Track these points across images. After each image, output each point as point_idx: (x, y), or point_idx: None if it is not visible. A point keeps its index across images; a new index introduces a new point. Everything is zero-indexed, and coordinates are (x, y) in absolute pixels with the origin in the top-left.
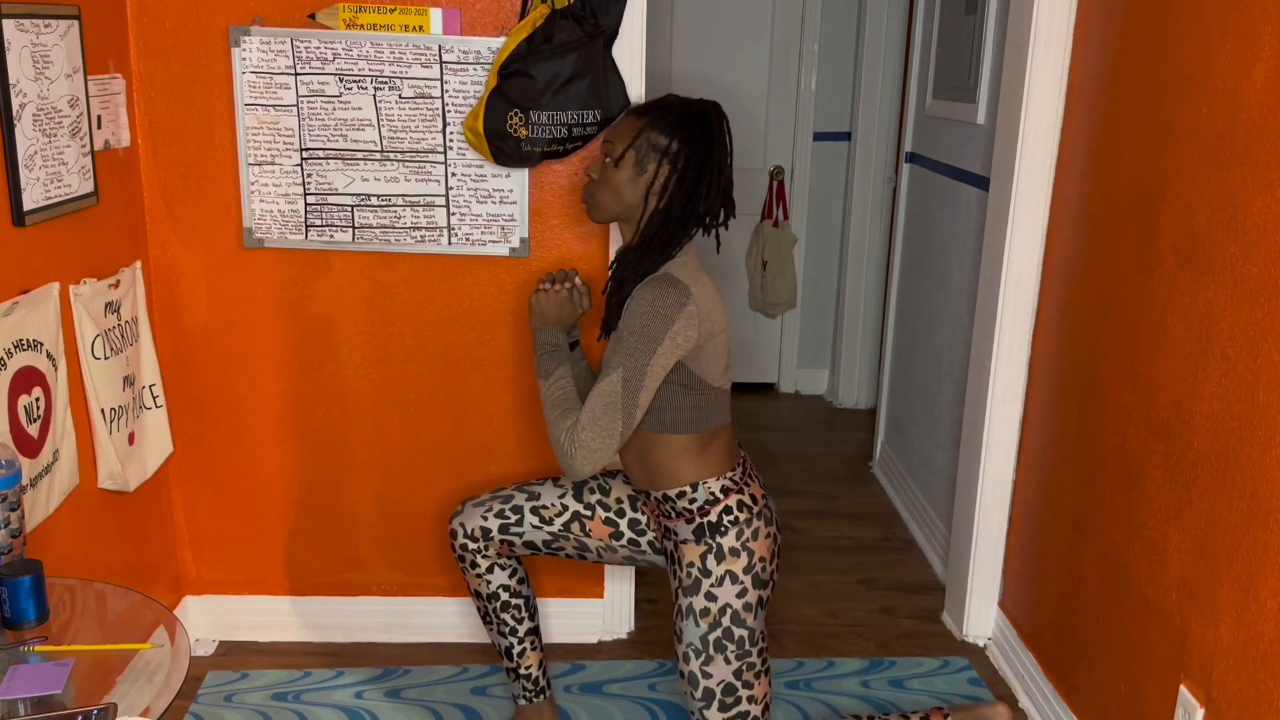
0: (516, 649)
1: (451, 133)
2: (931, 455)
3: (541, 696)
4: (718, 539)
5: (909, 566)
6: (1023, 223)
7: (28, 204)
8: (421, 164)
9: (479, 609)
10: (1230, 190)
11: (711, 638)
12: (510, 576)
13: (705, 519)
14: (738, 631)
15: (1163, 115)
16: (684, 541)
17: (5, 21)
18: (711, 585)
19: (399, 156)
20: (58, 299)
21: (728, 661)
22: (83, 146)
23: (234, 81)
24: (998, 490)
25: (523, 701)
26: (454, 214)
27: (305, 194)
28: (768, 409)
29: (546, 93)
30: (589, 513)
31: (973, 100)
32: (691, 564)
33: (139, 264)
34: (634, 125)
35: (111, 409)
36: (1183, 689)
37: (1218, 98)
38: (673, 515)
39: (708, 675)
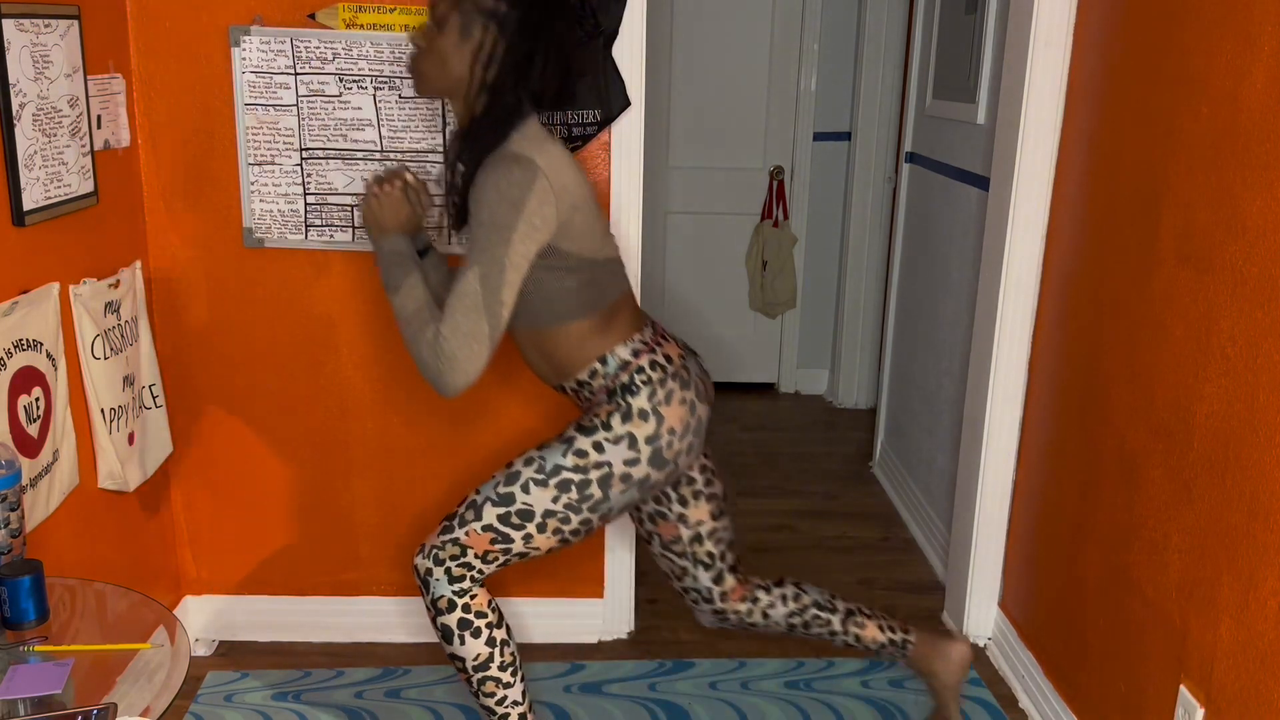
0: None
1: (451, 133)
2: (931, 455)
3: None
4: (628, 399)
5: (909, 566)
6: (1023, 223)
7: (28, 204)
8: (422, 164)
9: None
10: (1230, 190)
11: (565, 475)
12: (786, 603)
13: (618, 383)
14: (594, 490)
15: (1163, 115)
16: (598, 405)
17: (5, 21)
18: (606, 439)
19: (399, 156)
20: (58, 299)
21: (554, 500)
22: (83, 146)
23: (234, 81)
24: (998, 490)
25: None
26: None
27: (305, 194)
28: (768, 409)
29: None
30: (655, 539)
31: (973, 100)
32: (597, 415)
33: (139, 264)
34: None
35: (111, 409)
36: (1183, 689)
37: (1218, 98)
38: (591, 399)
39: (526, 490)
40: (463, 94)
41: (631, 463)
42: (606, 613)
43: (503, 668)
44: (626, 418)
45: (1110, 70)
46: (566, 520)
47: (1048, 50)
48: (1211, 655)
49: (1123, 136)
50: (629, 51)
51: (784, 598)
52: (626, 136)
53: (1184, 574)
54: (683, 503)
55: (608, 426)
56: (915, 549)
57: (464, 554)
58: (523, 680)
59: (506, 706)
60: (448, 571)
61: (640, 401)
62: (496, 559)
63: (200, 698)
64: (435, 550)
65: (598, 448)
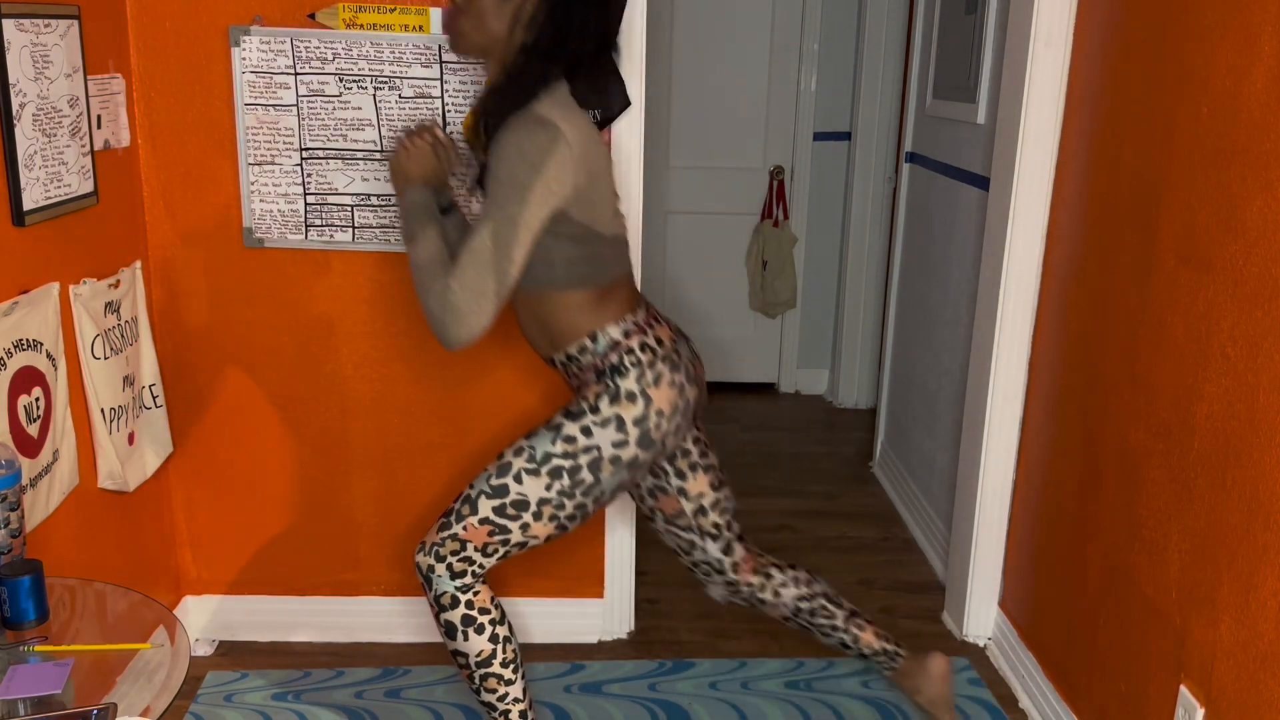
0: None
1: (451, 133)
2: (931, 455)
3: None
4: (617, 380)
5: (909, 566)
6: (1023, 223)
7: (27, 204)
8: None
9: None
10: (1230, 190)
11: (555, 462)
12: (797, 586)
13: (607, 363)
14: (585, 475)
15: (1163, 115)
16: (587, 385)
17: (5, 21)
18: (594, 423)
19: None
20: (58, 299)
21: (547, 488)
22: (83, 146)
23: (234, 81)
24: (998, 490)
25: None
26: None
27: (305, 194)
28: (768, 409)
29: None
30: (658, 515)
31: (973, 100)
32: (585, 399)
33: (139, 264)
34: None
35: (111, 409)
36: (1183, 689)
37: (1218, 98)
38: (580, 376)
39: (519, 480)
40: (498, 54)
41: (620, 444)
42: (606, 613)
43: (504, 664)
44: (614, 399)
45: (1110, 70)
46: (561, 507)
47: (1048, 50)
48: (1211, 655)
49: (1123, 136)
50: (629, 51)
51: (797, 580)
52: (626, 136)
53: (1184, 574)
54: (680, 476)
55: (595, 410)
56: (915, 549)
57: (464, 548)
58: (524, 678)
59: (508, 704)
60: (449, 567)
61: (629, 383)
62: (496, 551)
63: (200, 698)
64: (435, 547)
65: (586, 432)
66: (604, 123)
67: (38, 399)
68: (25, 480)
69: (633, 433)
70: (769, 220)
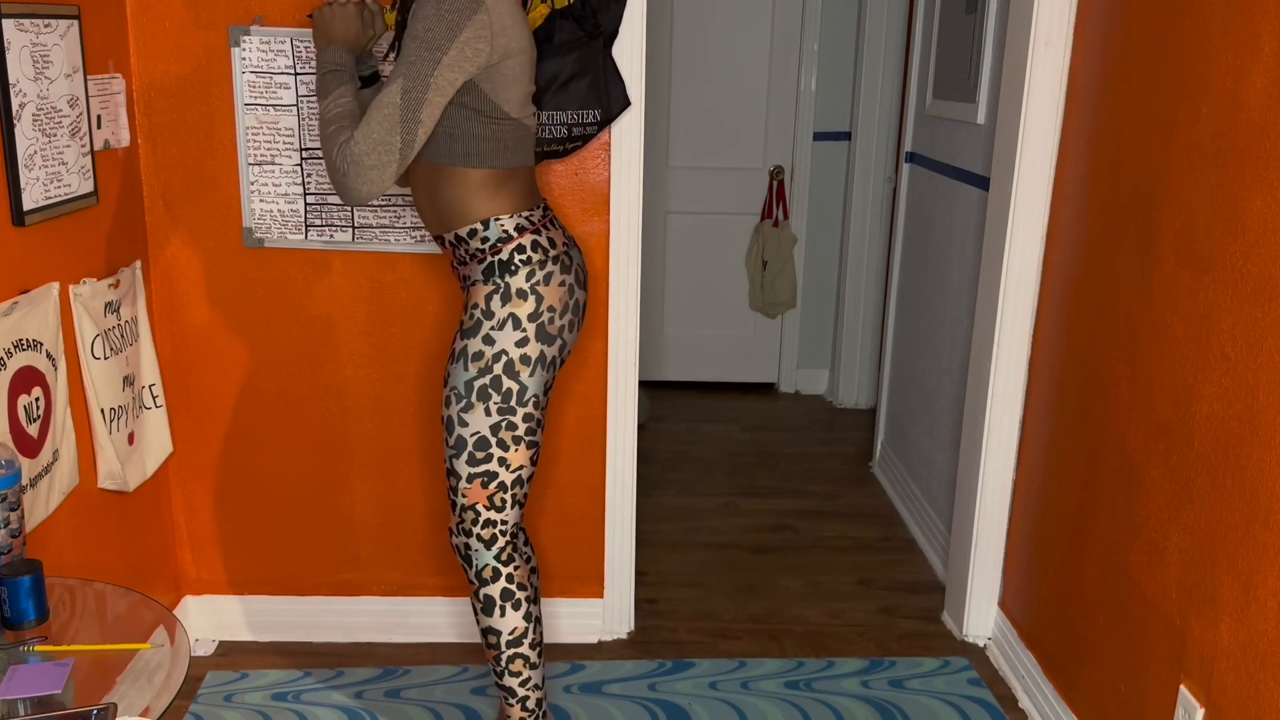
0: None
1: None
2: (931, 455)
3: None
4: (506, 278)
5: (909, 566)
6: (1023, 223)
7: (27, 204)
8: None
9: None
10: (1230, 190)
11: (478, 384)
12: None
13: (496, 257)
14: (507, 383)
15: (1163, 115)
16: (474, 283)
17: (5, 21)
18: (492, 328)
19: None
20: (57, 299)
21: (488, 413)
22: (82, 146)
23: (234, 81)
24: (998, 490)
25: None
26: None
27: (305, 194)
28: (768, 409)
29: (547, 92)
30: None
31: (973, 100)
32: (476, 305)
33: (139, 264)
34: None
35: (111, 409)
36: (1183, 689)
37: (1218, 98)
38: (467, 259)
39: (464, 423)
40: None
41: (522, 343)
42: (606, 613)
43: (533, 646)
44: (505, 298)
45: (1110, 70)
46: (512, 426)
47: (1048, 50)
48: (1211, 655)
49: (1123, 136)
50: (629, 51)
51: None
52: (626, 136)
53: (1184, 574)
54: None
55: (489, 314)
56: (915, 549)
57: (478, 513)
58: (544, 670)
59: (528, 689)
60: (479, 539)
61: (519, 281)
62: (503, 499)
63: (200, 698)
64: (458, 525)
65: (487, 340)
66: (604, 123)
67: (38, 399)
68: (25, 480)
69: (530, 328)
70: (769, 220)
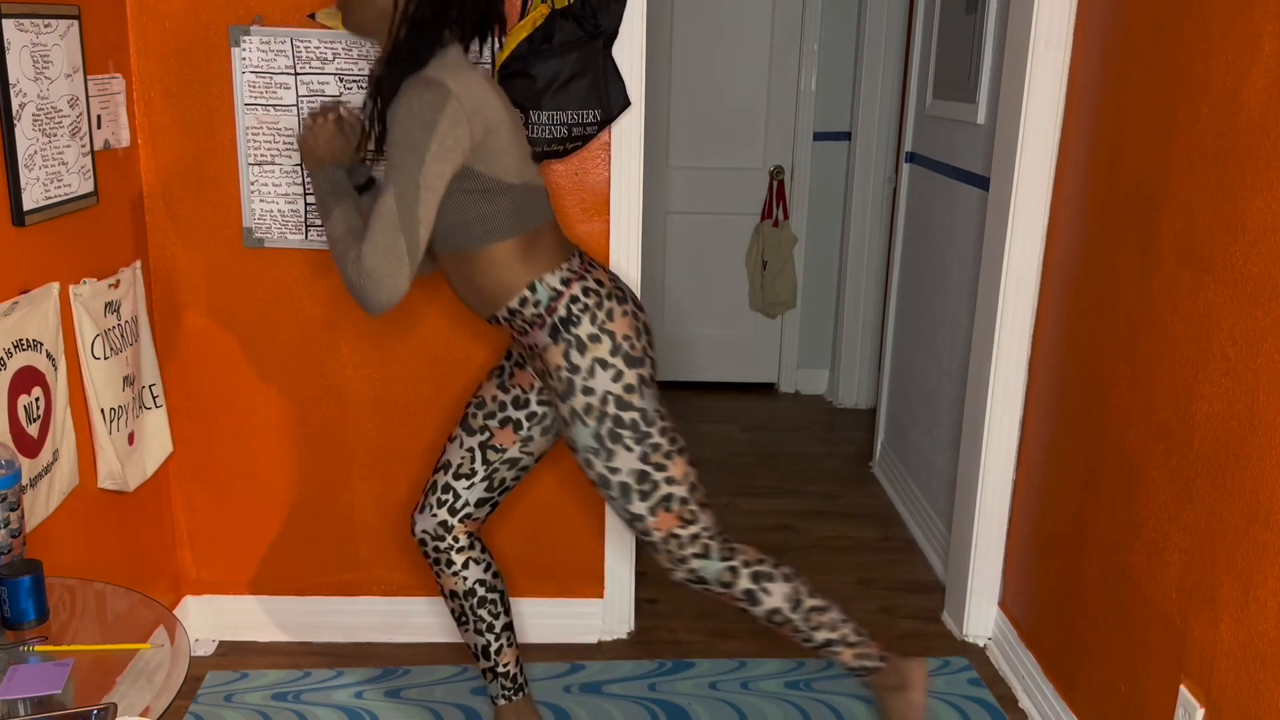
0: (494, 646)
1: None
2: (931, 455)
3: (520, 694)
4: (573, 330)
5: (909, 566)
6: (1023, 223)
7: (28, 204)
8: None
9: (453, 610)
10: (1230, 190)
11: (603, 431)
12: (485, 571)
13: (555, 316)
14: (626, 415)
15: (1163, 115)
16: (544, 349)
17: (5, 21)
18: (584, 379)
19: None
20: (57, 299)
21: (628, 449)
22: (83, 146)
23: (234, 81)
24: (998, 490)
25: (501, 701)
26: None
27: (305, 194)
28: (768, 409)
29: (546, 92)
30: (487, 433)
31: (973, 100)
32: (558, 367)
33: (139, 264)
34: None
35: (111, 409)
36: (1183, 689)
37: (1218, 98)
38: (528, 330)
39: (615, 470)
40: (387, 28)
41: (617, 377)
42: (606, 613)
43: (811, 593)
44: (581, 349)
45: (1110, 70)
46: (655, 447)
47: (1048, 50)
48: (1211, 655)
49: (1123, 136)
50: (629, 51)
51: (487, 567)
52: (626, 136)
53: (1184, 574)
54: (534, 421)
55: (574, 369)
56: (915, 549)
57: (678, 537)
58: (836, 608)
59: (843, 628)
60: (695, 556)
61: (585, 328)
62: (690, 511)
63: (200, 698)
64: (670, 560)
65: (586, 392)
66: (604, 123)
67: (38, 399)
68: (25, 480)
69: (616, 362)
70: (769, 220)
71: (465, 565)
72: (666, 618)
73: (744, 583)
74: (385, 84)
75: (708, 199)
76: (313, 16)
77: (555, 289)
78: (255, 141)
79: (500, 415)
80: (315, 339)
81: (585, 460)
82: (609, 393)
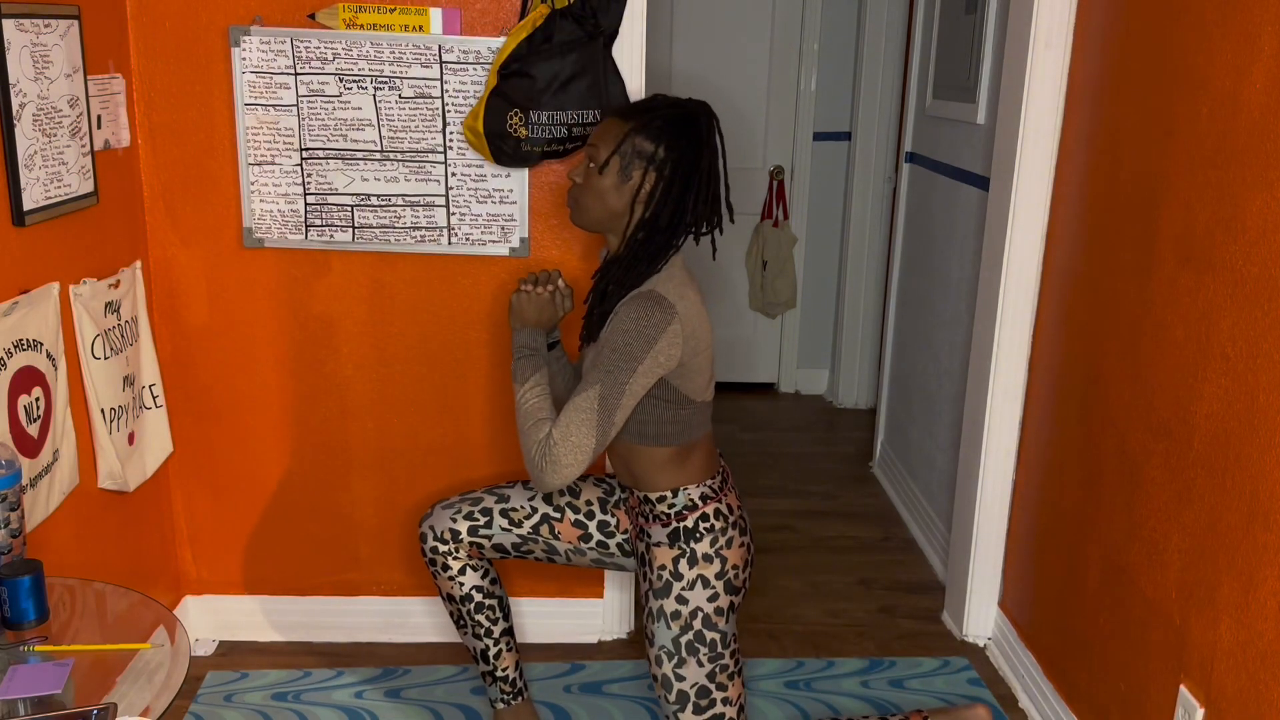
0: (492, 651)
1: (451, 133)
2: (931, 455)
3: (519, 699)
4: (692, 544)
5: (909, 566)
6: (1023, 223)
7: (28, 204)
8: (421, 164)
9: (451, 613)
10: (1230, 190)
11: (684, 640)
12: (483, 578)
13: (682, 524)
14: (709, 634)
15: (1163, 115)
16: (657, 544)
17: (5, 21)
18: (683, 589)
19: (399, 156)
20: (58, 299)
21: (700, 664)
22: (83, 146)
23: (234, 81)
24: (998, 490)
25: (500, 705)
26: (454, 214)
27: (305, 194)
28: (768, 409)
29: (546, 92)
30: (558, 515)
31: (973, 100)
32: (664, 566)
33: (139, 264)
34: (619, 130)
35: (111, 409)
36: (1183, 689)
37: (1218, 98)
38: (649, 517)
39: (681, 678)
40: (620, 228)
41: (713, 598)
42: (606, 613)
43: None
44: (692, 562)
45: (1110, 70)
46: (724, 668)
47: (1048, 50)
48: (1211, 655)
49: (1123, 136)
50: (629, 51)
51: (485, 574)
52: None
53: (1184, 574)
54: (597, 555)
55: (677, 576)
56: (915, 549)
57: None
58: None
59: None
60: None
61: (704, 547)
62: (733, 718)
63: (200, 698)
64: None
65: (680, 600)
66: None
67: (38, 399)
68: (25, 480)
69: (718, 585)
70: (769, 220)
71: (462, 571)
72: None
73: None
74: (616, 285)
75: None
76: (313, 16)
77: (693, 501)
78: (255, 141)
79: (579, 515)
80: (315, 339)
81: (656, 657)
82: (700, 609)
